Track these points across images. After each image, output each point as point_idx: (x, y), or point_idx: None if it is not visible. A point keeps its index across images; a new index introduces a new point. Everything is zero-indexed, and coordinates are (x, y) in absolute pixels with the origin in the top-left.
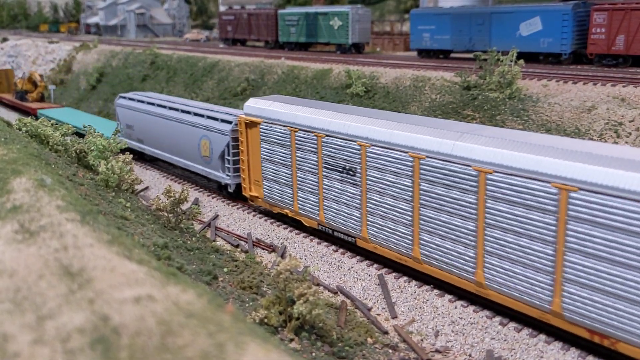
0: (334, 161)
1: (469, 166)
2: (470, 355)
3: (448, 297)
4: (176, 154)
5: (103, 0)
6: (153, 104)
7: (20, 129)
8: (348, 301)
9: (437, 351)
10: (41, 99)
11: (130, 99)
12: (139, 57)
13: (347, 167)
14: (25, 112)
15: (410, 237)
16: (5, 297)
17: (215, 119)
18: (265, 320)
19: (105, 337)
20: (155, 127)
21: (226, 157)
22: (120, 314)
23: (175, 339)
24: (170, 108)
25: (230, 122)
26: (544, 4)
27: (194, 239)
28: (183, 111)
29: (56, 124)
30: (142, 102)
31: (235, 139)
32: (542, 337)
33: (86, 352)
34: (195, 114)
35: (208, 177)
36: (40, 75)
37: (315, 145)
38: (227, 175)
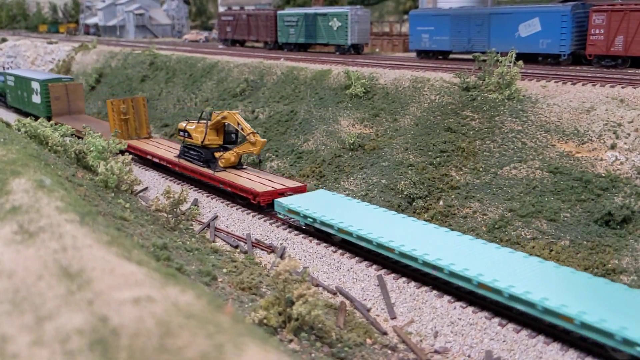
0: None
1: None
2: (469, 356)
3: (447, 297)
4: None
5: (102, 1)
6: None
7: (19, 130)
8: (347, 302)
9: (436, 352)
10: (239, 163)
11: None
12: (138, 57)
13: None
14: (234, 195)
15: None
16: (4, 298)
17: None
18: (265, 321)
19: (105, 338)
20: None
21: None
22: (120, 315)
23: (174, 340)
24: None
25: None
26: (542, 4)
27: (193, 239)
28: None
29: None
30: None
31: None
32: (541, 337)
33: (85, 353)
34: None
35: None
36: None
37: None
38: None
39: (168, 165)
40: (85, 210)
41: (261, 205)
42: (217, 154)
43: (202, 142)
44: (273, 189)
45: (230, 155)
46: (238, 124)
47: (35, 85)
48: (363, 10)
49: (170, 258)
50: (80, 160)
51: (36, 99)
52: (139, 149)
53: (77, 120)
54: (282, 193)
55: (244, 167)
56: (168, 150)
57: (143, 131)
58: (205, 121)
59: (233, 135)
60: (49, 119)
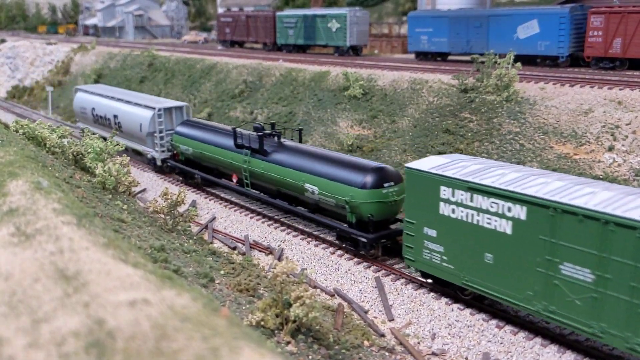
0: None
1: None
2: (466, 358)
3: (445, 299)
4: None
5: (101, 2)
6: None
7: (17, 131)
8: (345, 304)
9: (434, 354)
10: None
11: None
12: (137, 58)
13: None
14: None
15: None
16: (0, 300)
17: None
18: (262, 323)
19: (100, 341)
20: None
21: None
22: (115, 318)
23: (169, 343)
24: None
25: None
26: (541, 6)
27: (190, 241)
28: None
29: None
30: None
31: None
32: (539, 340)
33: (81, 356)
34: None
35: None
36: None
37: None
38: None
39: None
40: (82, 212)
41: None
42: None
43: None
44: None
45: None
46: None
47: None
48: (362, 11)
49: (168, 260)
50: (78, 162)
51: None
52: None
53: None
54: None
55: None
56: None
57: None
58: None
59: None
60: None
